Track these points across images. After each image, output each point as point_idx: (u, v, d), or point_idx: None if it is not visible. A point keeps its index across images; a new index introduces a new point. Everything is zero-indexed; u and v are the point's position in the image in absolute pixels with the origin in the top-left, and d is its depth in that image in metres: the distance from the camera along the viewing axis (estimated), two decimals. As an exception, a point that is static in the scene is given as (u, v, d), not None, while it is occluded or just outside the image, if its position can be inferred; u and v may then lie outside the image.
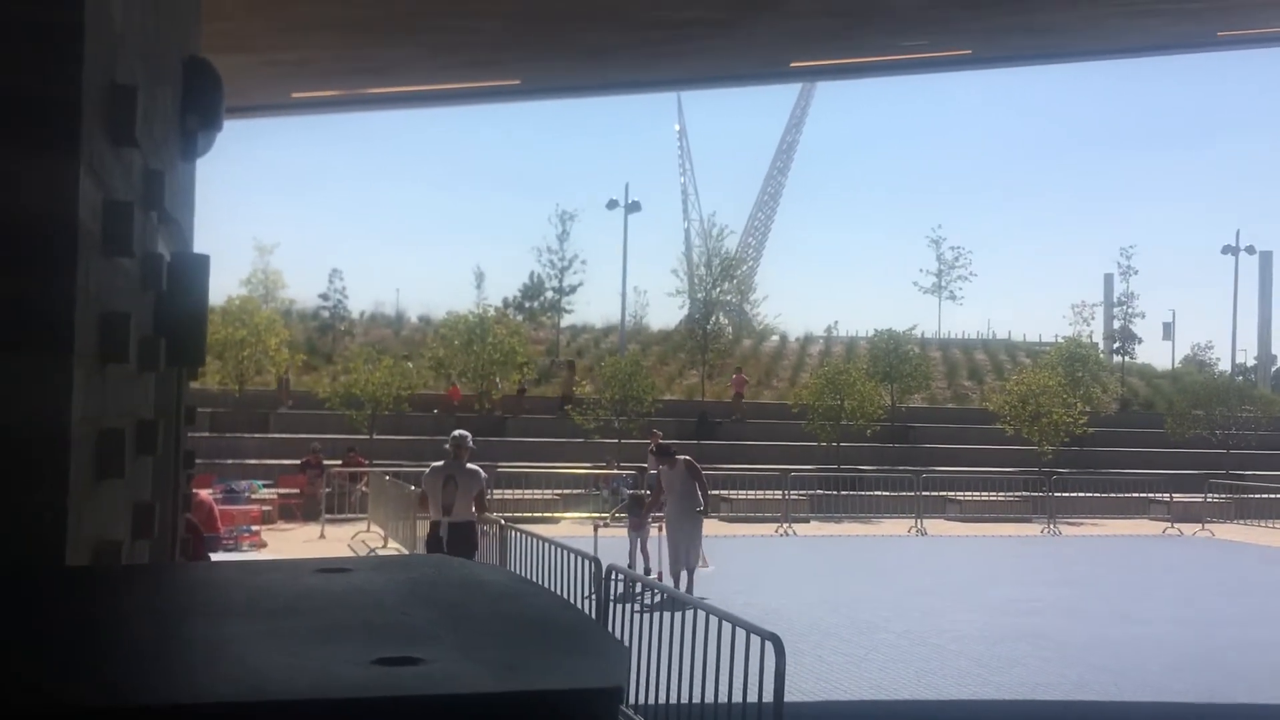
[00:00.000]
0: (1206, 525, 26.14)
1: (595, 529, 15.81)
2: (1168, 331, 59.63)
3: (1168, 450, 33.47)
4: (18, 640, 1.36)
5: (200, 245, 5.15)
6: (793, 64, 16.28)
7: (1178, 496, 27.46)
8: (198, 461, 8.97)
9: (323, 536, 20.65)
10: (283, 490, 24.25)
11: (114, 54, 2.36)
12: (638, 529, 16.26)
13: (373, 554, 17.29)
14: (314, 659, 1.27)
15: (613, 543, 15.56)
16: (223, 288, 36.06)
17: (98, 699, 1.15)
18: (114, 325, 2.39)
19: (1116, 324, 44.51)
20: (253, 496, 22.30)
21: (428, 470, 11.93)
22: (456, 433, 12.18)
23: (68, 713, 1.12)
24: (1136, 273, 43.88)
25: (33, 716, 1.10)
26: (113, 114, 2.33)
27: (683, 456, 15.44)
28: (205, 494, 12.54)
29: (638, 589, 11.16)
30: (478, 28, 11.90)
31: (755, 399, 37.07)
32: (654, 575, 15.13)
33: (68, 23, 1.98)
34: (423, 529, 13.31)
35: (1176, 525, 25.68)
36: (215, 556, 9.34)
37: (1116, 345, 43.95)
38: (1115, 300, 45.87)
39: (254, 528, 19.54)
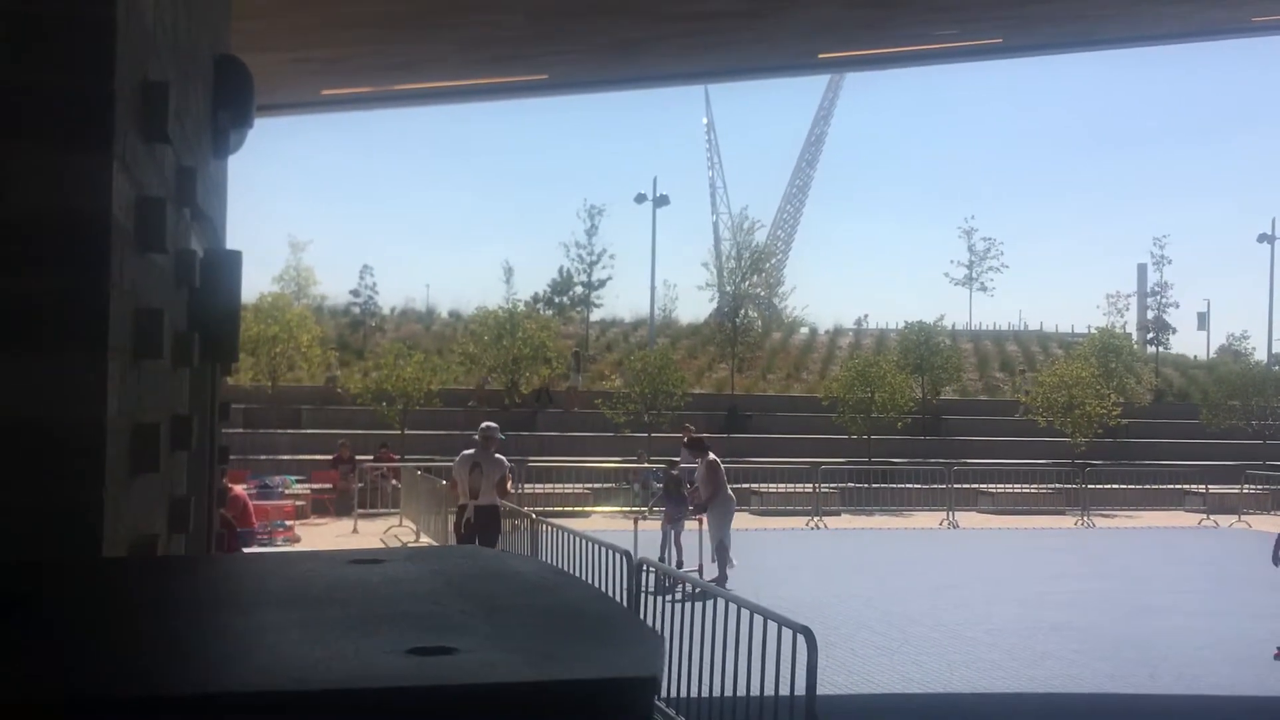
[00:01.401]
0: (1243, 517, 25.83)
1: (635, 523, 15.81)
2: (1202, 321, 59.01)
3: (1203, 441, 33.09)
4: (54, 630, 1.37)
5: (233, 242, 5.19)
6: (821, 55, 16.23)
7: (1213, 488, 27.16)
8: (232, 457, 9.05)
9: (355, 531, 20.78)
10: (316, 485, 24.41)
11: (146, 51, 2.37)
12: (673, 521, 16.26)
13: (405, 548, 17.38)
14: (349, 649, 1.28)
15: (648, 536, 15.56)
16: (255, 284, 36.35)
17: (136, 688, 1.16)
18: (148, 321, 2.40)
19: (1150, 314, 44.10)
20: (286, 491, 22.44)
21: (457, 458, 13.13)
22: (485, 425, 13.39)
23: (104, 702, 1.12)
24: (1170, 262, 43.52)
25: (67, 705, 1.11)
26: (145, 111, 2.34)
27: (710, 456, 15.35)
28: (239, 489, 12.65)
29: (668, 582, 11.17)
30: (503, 23, 11.92)
31: (786, 392, 36.94)
32: (687, 569, 15.12)
33: (101, 20, 2.00)
34: (454, 521, 13.85)
35: (1212, 517, 25.41)
36: (249, 551, 9.42)
37: (1150, 335, 43.52)
38: (1149, 290, 45.46)
39: (288, 522, 19.70)
